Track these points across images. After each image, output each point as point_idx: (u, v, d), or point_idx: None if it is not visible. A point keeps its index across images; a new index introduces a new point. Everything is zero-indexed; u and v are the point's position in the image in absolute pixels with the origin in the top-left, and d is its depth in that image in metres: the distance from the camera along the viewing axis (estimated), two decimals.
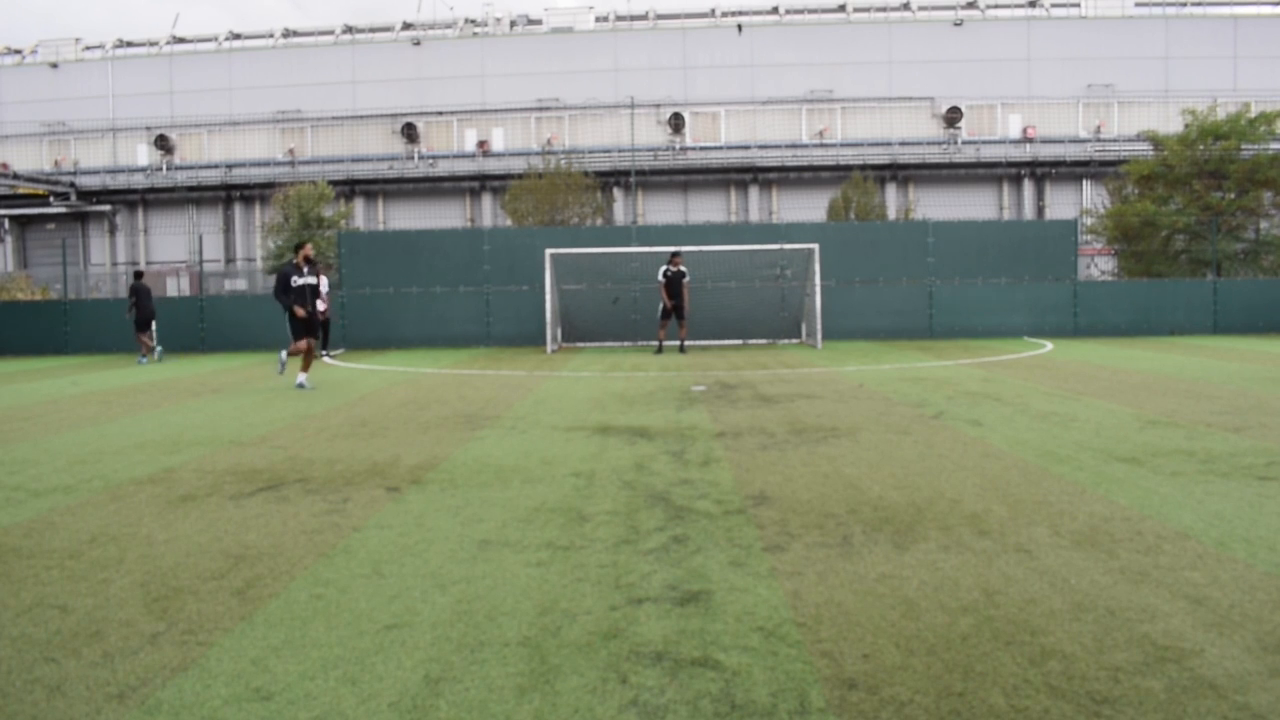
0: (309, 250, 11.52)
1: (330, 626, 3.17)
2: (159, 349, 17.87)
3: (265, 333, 20.62)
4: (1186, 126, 26.46)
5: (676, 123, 36.00)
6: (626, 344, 19.99)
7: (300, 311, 11.29)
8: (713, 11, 38.65)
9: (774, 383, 11.30)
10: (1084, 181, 35.20)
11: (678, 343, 18.05)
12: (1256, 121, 25.70)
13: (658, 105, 36.18)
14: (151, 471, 6.11)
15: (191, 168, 37.68)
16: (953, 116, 35.23)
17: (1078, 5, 37.18)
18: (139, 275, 18.25)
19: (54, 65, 38.86)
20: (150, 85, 38.23)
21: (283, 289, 11.35)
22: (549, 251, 18.52)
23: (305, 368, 11.56)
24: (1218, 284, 21.33)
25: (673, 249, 17.74)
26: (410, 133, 36.40)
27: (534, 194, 29.87)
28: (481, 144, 36.69)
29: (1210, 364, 12.91)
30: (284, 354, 11.73)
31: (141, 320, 17.40)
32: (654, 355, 16.81)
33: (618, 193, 35.78)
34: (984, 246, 20.61)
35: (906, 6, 37.89)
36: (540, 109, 36.81)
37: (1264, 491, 4.94)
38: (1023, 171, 35.69)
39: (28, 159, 38.31)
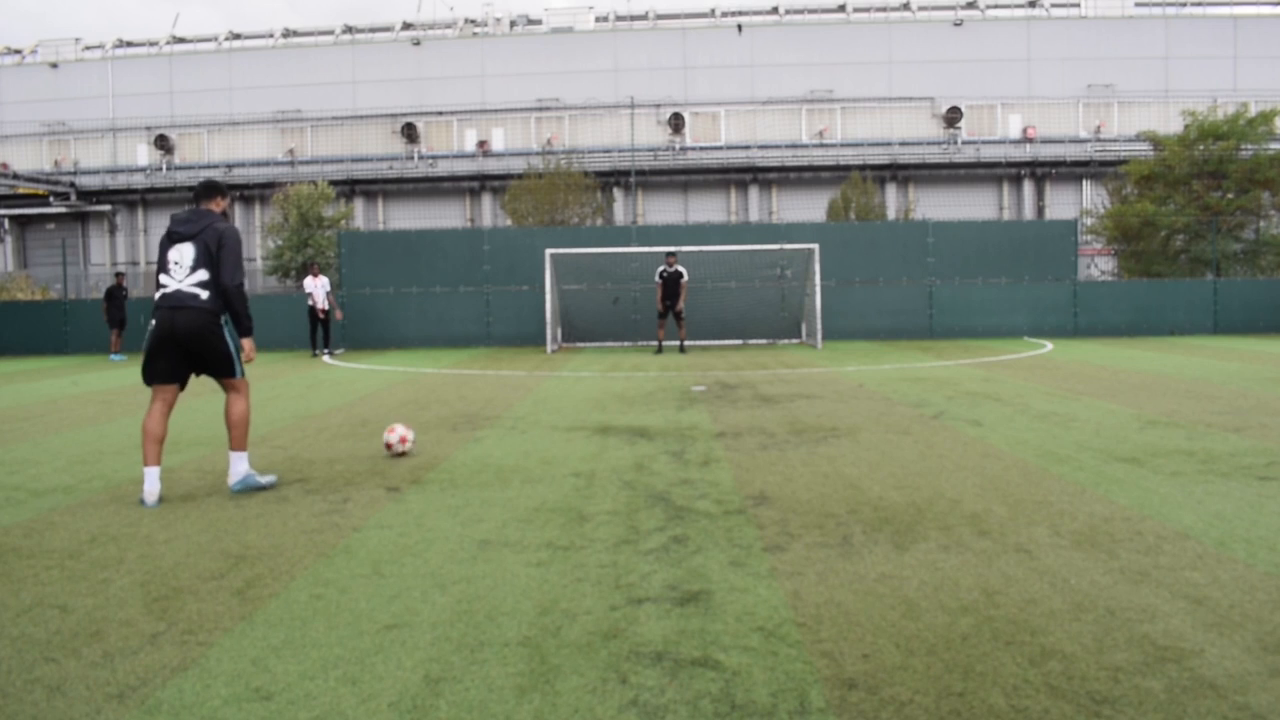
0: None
1: (330, 626, 3.17)
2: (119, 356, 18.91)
3: (265, 333, 20.62)
4: (1186, 127, 26.46)
5: (676, 123, 35.98)
6: (626, 344, 19.98)
7: None
8: (713, 11, 38.64)
9: (774, 383, 11.29)
10: (1084, 181, 35.17)
11: (678, 343, 18.05)
12: (1256, 121, 25.70)
13: (658, 105, 36.17)
14: None
15: (191, 168, 37.65)
16: (953, 116, 35.21)
17: (1078, 5, 37.17)
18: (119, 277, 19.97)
19: (54, 65, 38.84)
20: (150, 85, 38.21)
21: None
22: (549, 251, 18.52)
23: None
24: (1218, 284, 21.33)
25: (668, 249, 17.77)
26: (410, 133, 36.39)
27: (534, 194, 29.85)
28: (481, 144, 36.67)
29: (1210, 364, 12.90)
30: None
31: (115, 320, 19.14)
32: (654, 355, 16.81)
33: (618, 193, 35.76)
34: (984, 246, 20.62)
35: (906, 6, 37.88)
36: (540, 109, 36.79)
37: (1264, 491, 4.94)
38: (1023, 171, 35.67)
39: (28, 159, 38.30)
